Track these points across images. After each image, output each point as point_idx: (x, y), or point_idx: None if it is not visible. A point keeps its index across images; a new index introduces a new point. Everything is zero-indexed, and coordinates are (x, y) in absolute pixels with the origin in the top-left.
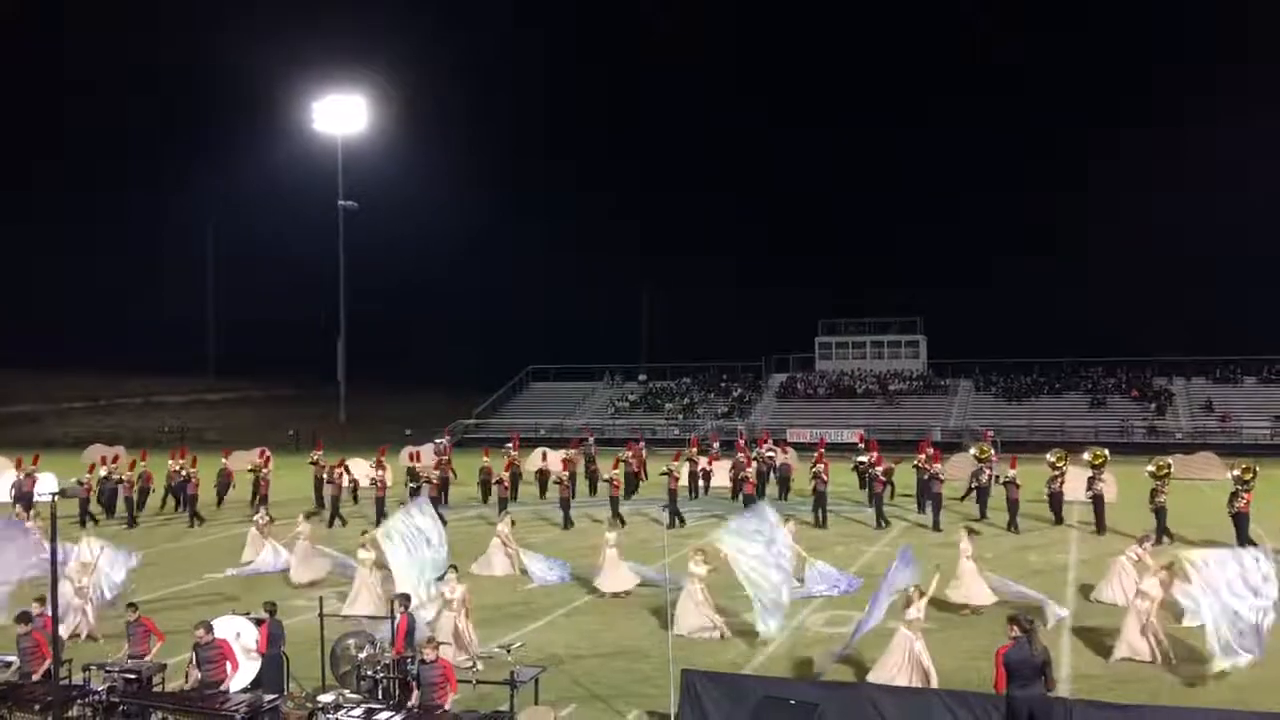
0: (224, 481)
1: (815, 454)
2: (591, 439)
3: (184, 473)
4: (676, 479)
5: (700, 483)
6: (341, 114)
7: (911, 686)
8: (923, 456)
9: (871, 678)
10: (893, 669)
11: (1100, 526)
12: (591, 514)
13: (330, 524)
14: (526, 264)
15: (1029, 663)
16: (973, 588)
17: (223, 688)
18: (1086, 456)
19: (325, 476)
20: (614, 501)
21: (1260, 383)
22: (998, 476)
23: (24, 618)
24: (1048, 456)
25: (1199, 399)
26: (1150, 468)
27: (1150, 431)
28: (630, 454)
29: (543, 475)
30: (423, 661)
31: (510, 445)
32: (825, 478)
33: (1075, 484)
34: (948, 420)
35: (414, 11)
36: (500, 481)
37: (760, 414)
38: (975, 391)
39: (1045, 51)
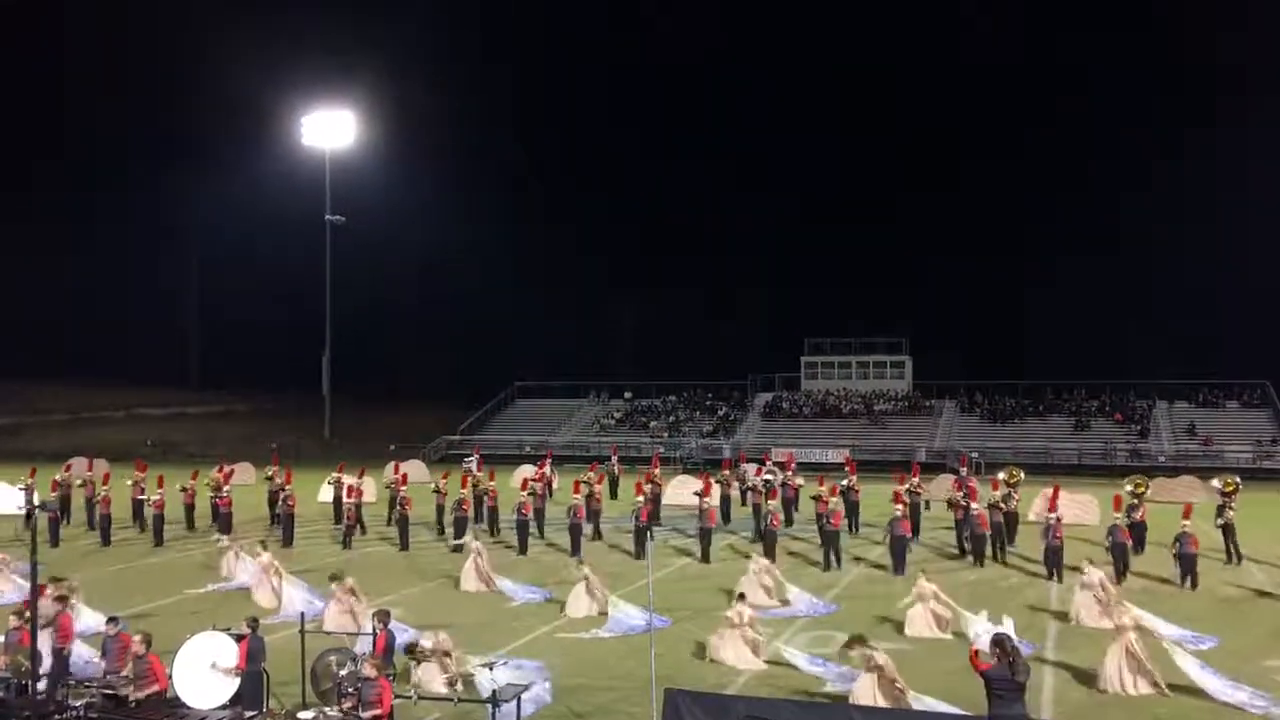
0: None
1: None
2: (616, 455)
3: (142, 489)
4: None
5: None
6: (330, 129)
7: (892, 708)
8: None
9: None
10: (862, 696)
11: (1230, 554)
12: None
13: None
14: (513, 280)
15: (1010, 681)
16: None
17: (144, 696)
18: (1216, 484)
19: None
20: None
21: (1243, 407)
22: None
23: None
24: (1125, 485)
25: (1181, 423)
26: (1128, 486)
27: (1133, 455)
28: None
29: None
30: (365, 678)
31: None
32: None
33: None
34: (932, 441)
35: (403, 26)
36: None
37: (745, 433)
38: (960, 413)
39: (1041, 62)
